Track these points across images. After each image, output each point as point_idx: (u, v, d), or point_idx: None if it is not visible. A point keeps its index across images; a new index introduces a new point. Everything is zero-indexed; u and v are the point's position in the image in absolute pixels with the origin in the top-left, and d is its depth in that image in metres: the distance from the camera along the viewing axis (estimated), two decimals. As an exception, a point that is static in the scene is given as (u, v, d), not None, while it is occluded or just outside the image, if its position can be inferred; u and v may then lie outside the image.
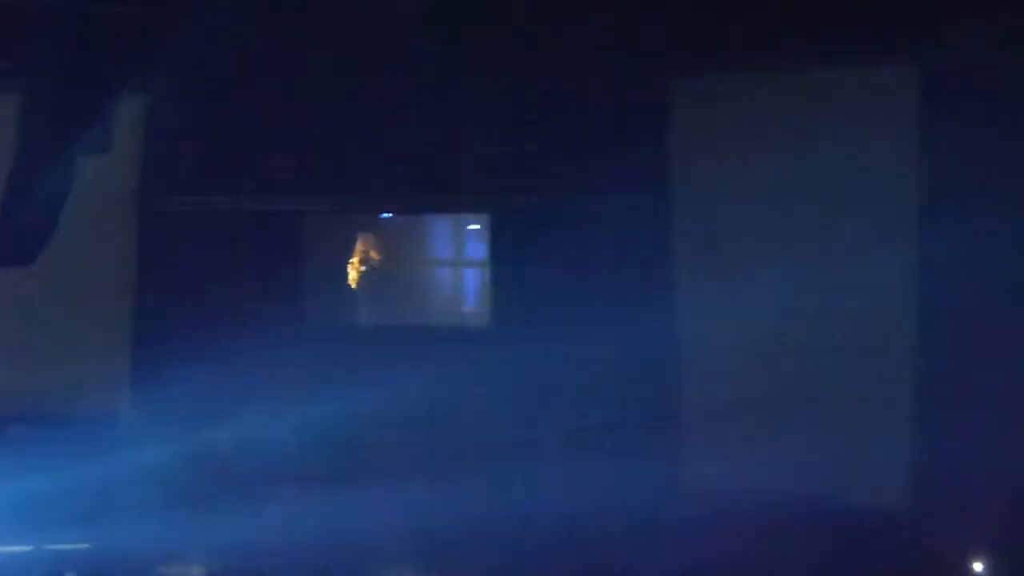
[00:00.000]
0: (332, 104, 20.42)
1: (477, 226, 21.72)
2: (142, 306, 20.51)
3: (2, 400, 19.63)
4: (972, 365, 18.15)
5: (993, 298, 18.04)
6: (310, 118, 20.49)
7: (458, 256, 22.18)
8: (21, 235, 19.34)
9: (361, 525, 18.26)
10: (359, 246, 21.74)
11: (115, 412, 20.18)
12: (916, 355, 18.77)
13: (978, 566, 17.38)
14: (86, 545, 18.43)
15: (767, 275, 18.69)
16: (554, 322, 19.66)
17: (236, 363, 19.67)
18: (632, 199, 19.98)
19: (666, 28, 19.38)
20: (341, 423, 19.33)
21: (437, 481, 19.55)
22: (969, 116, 18.11)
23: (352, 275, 21.82)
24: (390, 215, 21.69)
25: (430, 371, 19.64)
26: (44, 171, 19.21)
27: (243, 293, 20.17)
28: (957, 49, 17.93)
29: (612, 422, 19.62)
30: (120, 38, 18.63)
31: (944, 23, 18.07)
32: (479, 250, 21.66)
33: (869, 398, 18.93)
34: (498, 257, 20.97)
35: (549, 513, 18.67)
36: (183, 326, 19.99)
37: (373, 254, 21.76)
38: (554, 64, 19.96)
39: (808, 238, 19.04)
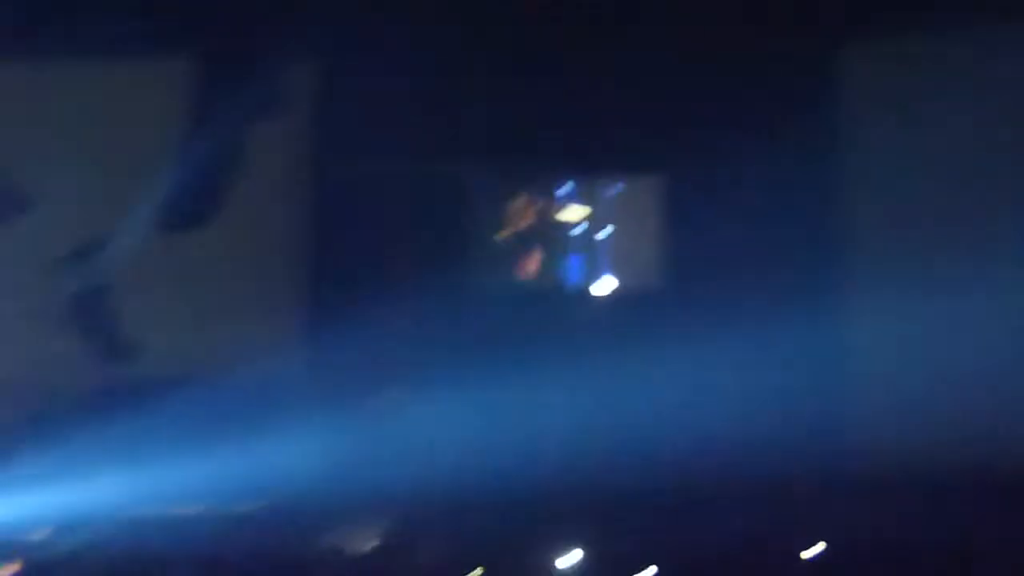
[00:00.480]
0: (505, 68, 20.31)
1: (644, 190, 21.47)
2: (314, 269, 20.59)
3: (176, 363, 19.80)
4: None
5: None
6: (484, 81, 20.39)
7: (623, 220, 21.87)
8: (195, 199, 19.72)
9: (529, 484, 18.44)
10: (530, 210, 21.63)
11: (287, 374, 20.33)
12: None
13: None
14: (259, 506, 18.73)
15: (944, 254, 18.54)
16: (724, 287, 19.48)
17: (408, 325, 19.77)
18: (804, 165, 19.72)
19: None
20: (508, 387, 19.39)
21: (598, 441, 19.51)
22: None
23: (521, 239, 21.71)
24: (563, 179, 21.52)
25: (595, 335, 19.64)
26: (217, 135, 19.55)
27: (415, 256, 20.12)
28: None
29: (781, 387, 19.36)
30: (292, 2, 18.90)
31: None
32: (646, 215, 21.41)
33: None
34: (666, 222, 20.77)
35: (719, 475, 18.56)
36: (354, 288, 20.04)
37: (543, 217, 21.64)
38: (724, 25, 19.75)
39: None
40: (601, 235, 21.18)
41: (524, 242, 21.30)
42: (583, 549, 17.50)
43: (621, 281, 21.17)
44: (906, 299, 18.98)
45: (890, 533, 16.95)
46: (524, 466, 19.23)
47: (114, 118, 19.56)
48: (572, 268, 21.35)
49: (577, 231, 21.21)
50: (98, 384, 19.84)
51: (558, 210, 21.39)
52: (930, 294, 18.80)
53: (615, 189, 21.25)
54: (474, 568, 17.47)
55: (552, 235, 21.25)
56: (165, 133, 19.66)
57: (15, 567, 17.69)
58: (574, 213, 21.22)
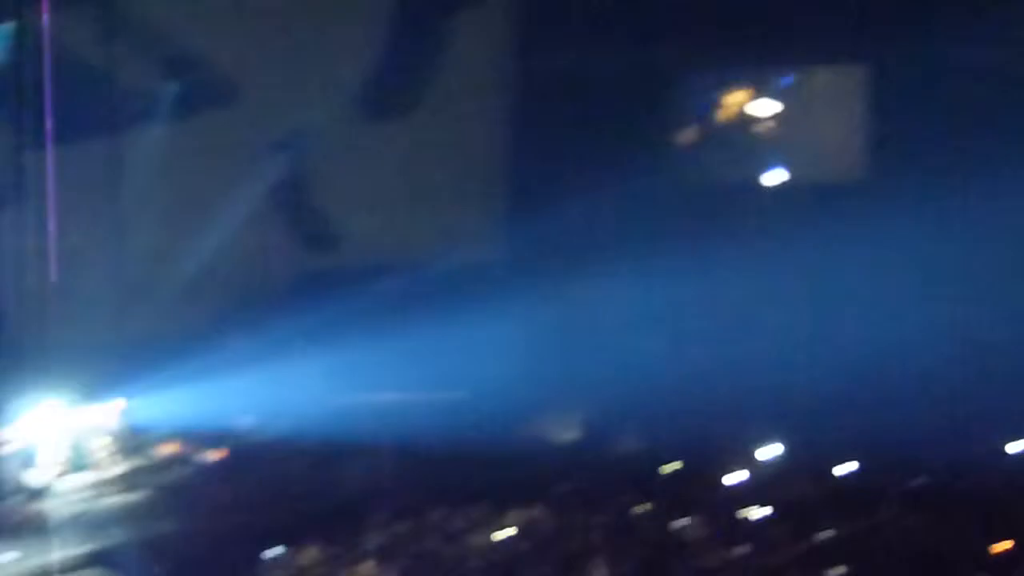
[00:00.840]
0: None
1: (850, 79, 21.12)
2: (513, 159, 20.60)
3: (378, 251, 19.91)
4: None
5: None
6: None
7: (830, 109, 21.49)
8: (398, 90, 19.78)
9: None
10: (736, 104, 21.36)
11: (487, 262, 20.41)
12: None
13: None
14: (462, 394, 18.84)
15: None
16: (928, 177, 19.19)
17: (607, 216, 19.75)
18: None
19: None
20: (703, 279, 19.35)
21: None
22: None
23: (720, 130, 21.48)
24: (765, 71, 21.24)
25: (792, 230, 19.54)
26: (421, 27, 19.57)
27: (612, 147, 20.01)
28: None
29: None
30: None
31: None
32: (851, 103, 21.04)
33: None
34: (873, 112, 20.52)
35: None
36: (554, 179, 19.99)
37: (742, 110, 21.36)
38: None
39: None
40: (800, 127, 20.96)
41: (724, 135, 21.14)
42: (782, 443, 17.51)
43: (819, 174, 20.96)
44: None
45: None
46: (718, 359, 19.18)
47: (318, 12, 19.55)
48: (770, 162, 21.16)
49: (776, 123, 21.01)
50: (302, 273, 19.99)
51: (758, 102, 21.14)
52: None
53: (814, 80, 21.00)
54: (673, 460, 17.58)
55: (751, 128, 21.04)
56: (371, 27, 19.66)
57: (222, 453, 17.98)
58: (773, 105, 20.99)
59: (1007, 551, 13.88)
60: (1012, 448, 16.95)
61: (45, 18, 17.73)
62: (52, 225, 17.85)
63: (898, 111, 19.94)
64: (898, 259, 19.15)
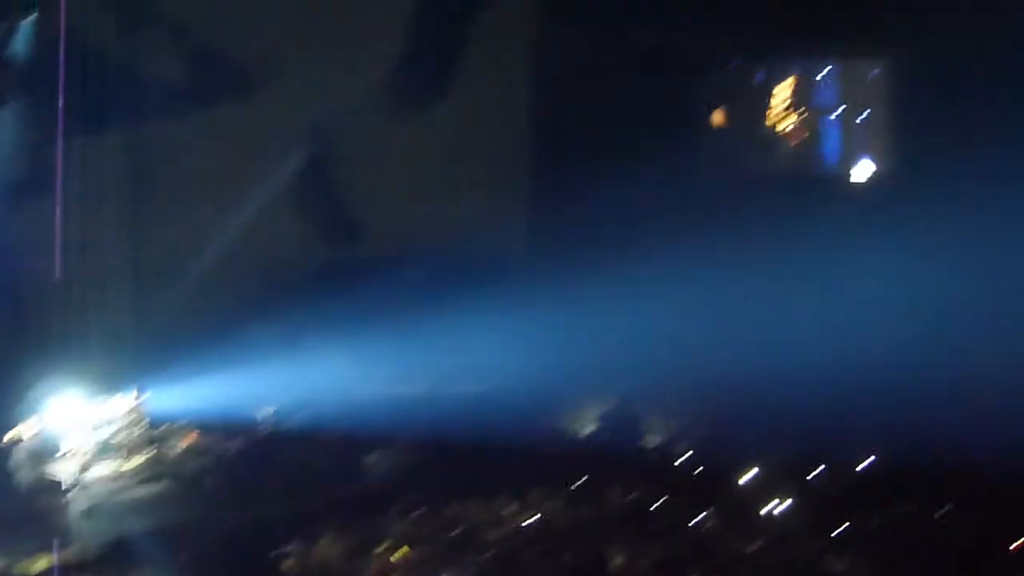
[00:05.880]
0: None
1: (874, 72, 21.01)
2: (537, 147, 20.55)
3: (400, 242, 19.89)
4: None
5: None
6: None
7: (855, 103, 21.36)
8: (419, 77, 19.76)
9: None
10: (759, 93, 21.25)
11: (510, 252, 20.36)
12: None
13: None
14: (483, 389, 18.78)
15: None
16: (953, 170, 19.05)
17: (632, 208, 19.67)
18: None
19: None
20: (732, 268, 19.25)
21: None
22: None
23: (749, 121, 21.35)
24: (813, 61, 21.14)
25: (821, 218, 19.43)
26: (440, 15, 19.54)
27: (639, 136, 19.91)
28: None
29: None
30: None
31: None
32: (876, 96, 20.94)
33: None
34: (900, 105, 20.37)
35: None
36: (578, 169, 19.92)
37: (774, 102, 21.25)
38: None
39: None
40: (854, 118, 20.88)
41: (750, 127, 21.05)
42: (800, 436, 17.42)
43: (874, 165, 20.87)
44: None
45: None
46: (739, 352, 19.06)
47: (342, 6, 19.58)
48: (823, 152, 21.07)
49: (828, 114, 20.94)
50: (325, 263, 19.98)
51: (806, 92, 21.03)
52: None
53: (869, 72, 20.89)
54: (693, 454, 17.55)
55: (802, 117, 20.94)
56: (393, 18, 19.65)
57: (243, 444, 17.99)
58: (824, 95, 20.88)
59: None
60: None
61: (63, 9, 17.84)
62: (70, 215, 17.94)
63: (922, 109, 19.89)
64: (919, 256, 19.03)
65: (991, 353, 18.21)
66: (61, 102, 17.90)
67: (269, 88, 19.40)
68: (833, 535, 14.37)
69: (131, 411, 17.79)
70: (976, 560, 13.35)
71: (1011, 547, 13.72)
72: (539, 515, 15.51)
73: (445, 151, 19.90)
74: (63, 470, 16.99)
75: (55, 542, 15.37)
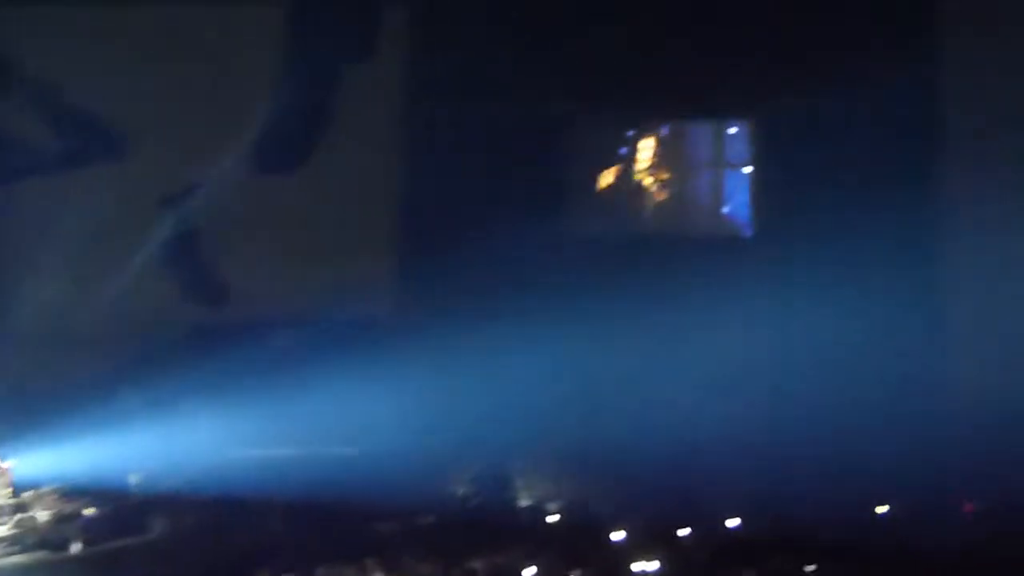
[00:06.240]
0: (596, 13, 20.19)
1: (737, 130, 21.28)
2: (404, 211, 20.62)
3: (269, 306, 19.82)
4: None
5: None
6: (573, 25, 20.26)
7: (721, 161, 21.64)
8: (288, 144, 19.72)
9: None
10: (623, 153, 21.44)
11: (379, 315, 20.36)
12: None
13: None
14: (354, 451, 18.73)
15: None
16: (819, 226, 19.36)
17: (498, 267, 19.74)
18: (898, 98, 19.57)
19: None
20: (600, 329, 19.36)
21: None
22: None
23: (614, 182, 21.53)
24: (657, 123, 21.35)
25: (690, 278, 19.59)
26: (308, 80, 19.52)
27: (505, 199, 20.03)
28: None
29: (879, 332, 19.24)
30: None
31: None
32: (742, 155, 21.19)
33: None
34: (762, 162, 20.66)
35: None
36: (446, 231, 20.01)
37: (638, 161, 21.44)
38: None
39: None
40: (709, 177, 21.12)
41: (627, 185, 21.20)
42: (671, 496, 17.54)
43: (729, 224, 21.11)
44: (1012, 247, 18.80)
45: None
46: (613, 412, 19.23)
47: (209, 64, 19.52)
48: (676, 211, 21.26)
49: (684, 173, 21.17)
50: (193, 327, 19.86)
51: (660, 152, 21.24)
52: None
53: (723, 130, 21.14)
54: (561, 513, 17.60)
55: (656, 178, 21.14)
56: (259, 79, 19.64)
57: (110, 510, 17.77)
58: (677, 155, 21.11)
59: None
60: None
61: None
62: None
63: (784, 165, 20.19)
64: (786, 314, 19.30)
65: (857, 412, 18.51)
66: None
67: (137, 152, 19.35)
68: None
69: (-3, 478, 17.55)
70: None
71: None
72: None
73: (314, 215, 19.89)
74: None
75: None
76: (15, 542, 17.21)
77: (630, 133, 21.19)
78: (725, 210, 21.10)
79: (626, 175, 21.17)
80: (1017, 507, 16.22)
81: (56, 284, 19.25)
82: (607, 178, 21.19)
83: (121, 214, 19.31)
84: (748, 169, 20.91)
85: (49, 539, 17.32)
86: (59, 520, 17.61)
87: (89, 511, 17.79)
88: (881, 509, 16.83)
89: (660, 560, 15.35)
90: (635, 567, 15.26)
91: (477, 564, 15.62)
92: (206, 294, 19.88)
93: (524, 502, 18.15)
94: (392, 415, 18.80)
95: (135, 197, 19.40)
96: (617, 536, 16.67)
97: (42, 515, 17.61)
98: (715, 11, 19.95)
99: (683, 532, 16.51)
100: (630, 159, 21.19)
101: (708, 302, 19.22)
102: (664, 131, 21.20)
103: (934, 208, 19.63)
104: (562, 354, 19.22)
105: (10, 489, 17.64)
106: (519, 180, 20.13)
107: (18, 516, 17.44)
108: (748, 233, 20.69)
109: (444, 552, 16.05)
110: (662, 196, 21.17)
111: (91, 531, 17.49)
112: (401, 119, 20.48)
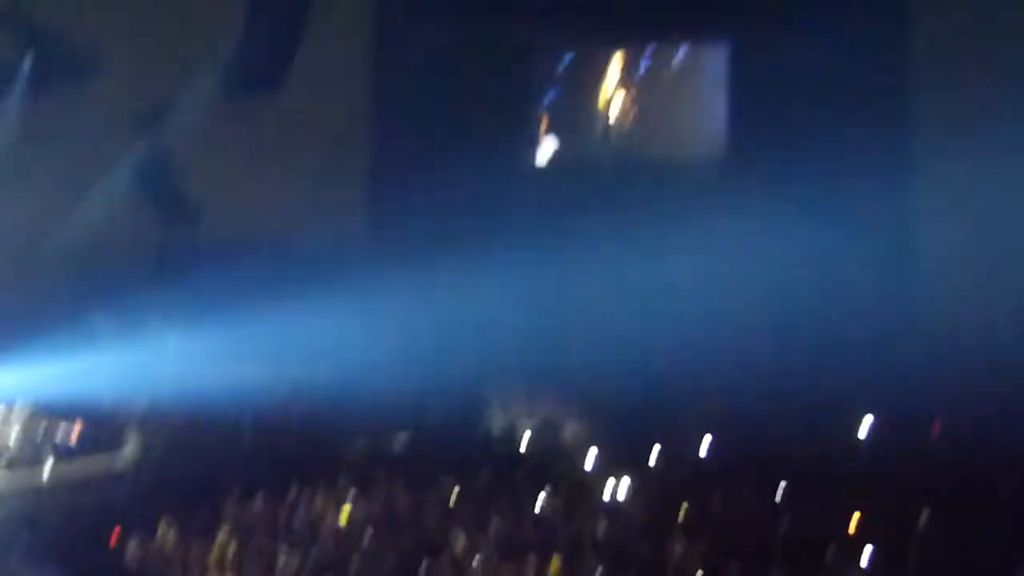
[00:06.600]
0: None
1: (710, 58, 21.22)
2: (377, 136, 20.54)
3: (241, 227, 19.80)
4: None
5: None
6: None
7: (695, 84, 21.52)
8: (260, 65, 19.62)
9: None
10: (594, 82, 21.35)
11: (349, 239, 20.36)
12: None
13: None
14: (327, 372, 18.75)
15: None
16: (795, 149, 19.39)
17: (466, 194, 19.76)
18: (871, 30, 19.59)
19: None
20: (572, 254, 19.39)
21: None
22: None
23: (588, 105, 21.45)
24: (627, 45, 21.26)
25: (664, 202, 19.63)
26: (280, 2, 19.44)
27: (477, 124, 20.00)
28: None
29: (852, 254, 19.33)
30: None
31: None
32: (711, 83, 21.13)
33: None
34: (737, 84, 20.66)
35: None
36: (417, 156, 19.99)
37: (612, 85, 21.36)
38: None
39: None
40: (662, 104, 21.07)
41: (586, 112, 21.17)
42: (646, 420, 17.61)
43: (683, 151, 21.07)
44: (978, 172, 18.82)
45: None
46: (576, 333, 19.28)
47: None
48: (635, 137, 21.23)
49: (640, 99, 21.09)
50: (163, 247, 19.83)
51: (623, 78, 21.18)
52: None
53: (678, 55, 21.10)
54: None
55: (615, 107, 21.09)
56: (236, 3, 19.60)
57: (80, 430, 17.78)
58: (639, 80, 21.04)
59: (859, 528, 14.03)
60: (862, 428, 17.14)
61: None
62: None
63: (756, 93, 20.17)
64: (756, 241, 19.34)
65: (825, 340, 18.59)
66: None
67: (107, 74, 19.22)
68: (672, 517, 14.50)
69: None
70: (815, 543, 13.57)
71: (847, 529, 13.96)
72: (381, 499, 15.47)
73: (283, 140, 19.80)
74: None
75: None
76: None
77: (601, 56, 21.06)
78: (699, 133, 21.03)
79: (600, 98, 21.08)
80: (984, 424, 16.32)
81: (27, 204, 19.15)
82: (581, 101, 21.09)
83: (94, 136, 19.19)
84: (723, 92, 20.70)
85: (20, 457, 17.35)
86: (31, 438, 17.64)
87: (61, 429, 17.84)
88: (852, 429, 16.91)
89: (630, 482, 15.41)
90: (605, 489, 15.32)
91: (448, 484, 15.69)
92: (178, 214, 19.79)
93: (495, 424, 18.17)
94: (364, 337, 18.73)
95: (106, 120, 19.26)
96: (588, 459, 16.75)
97: (14, 432, 17.65)
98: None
99: (653, 454, 16.60)
100: (603, 82, 21.10)
101: (682, 225, 19.13)
102: (638, 54, 21.08)
103: (909, 129, 19.60)
104: (534, 277, 19.21)
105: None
106: (491, 105, 20.05)
107: (-9, 435, 17.53)
108: (722, 156, 20.49)
109: (415, 473, 16.14)
110: (636, 120, 21.08)
111: (62, 449, 17.55)
112: (373, 47, 20.43)
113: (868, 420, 16.77)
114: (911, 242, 19.79)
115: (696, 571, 12.71)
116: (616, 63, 21.14)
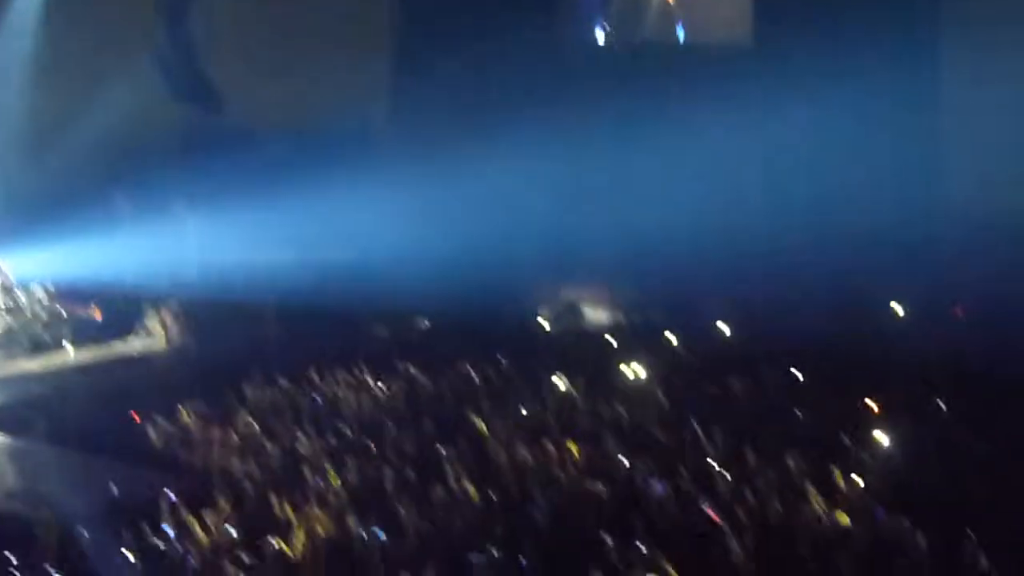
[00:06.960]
0: None
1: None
2: (402, 19, 20.54)
3: (264, 113, 19.70)
4: None
5: None
6: None
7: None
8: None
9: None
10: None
11: (374, 124, 20.27)
12: None
13: None
14: (348, 257, 18.73)
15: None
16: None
17: (491, 80, 19.59)
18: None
19: None
20: (598, 138, 19.30)
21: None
22: None
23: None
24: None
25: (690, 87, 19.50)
26: None
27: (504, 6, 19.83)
28: None
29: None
30: None
31: None
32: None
33: None
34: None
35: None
36: (443, 41, 19.85)
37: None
38: None
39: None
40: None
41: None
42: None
43: (716, 36, 20.92)
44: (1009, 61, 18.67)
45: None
46: (600, 220, 19.23)
47: None
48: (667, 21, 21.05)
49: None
50: (187, 132, 19.78)
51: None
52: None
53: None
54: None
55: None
56: None
57: (103, 312, 17.85)
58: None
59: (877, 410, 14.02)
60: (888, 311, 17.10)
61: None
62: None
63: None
64: (780, 123, 19.21)
65: (853, 223, 18.54)
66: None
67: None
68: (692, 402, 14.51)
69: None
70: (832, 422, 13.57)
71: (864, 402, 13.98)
72: (402, 382, 15.51)
73: (305, 26, 19.68)
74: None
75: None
76: (8, 341, 17.36)
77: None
78: (733, 20, 20.81)
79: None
80: (1004, 313, 16.28)
81: (52, 89, 19.13)
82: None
83: (114, 23, 19.10)
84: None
85: (42, 338, 17.45)
86: (52, 320, 17.72)
87: (82, 312, 17.91)
88: (875, 316, 16.89)
89: (650, 363, 15.42)
90: (625, 370, 15.32)
91: (467, 368, 15.72)
92: (202, 100, 19.73)
93: (518, 309, 18.17)
94: (387, 223, 18.72)
95: (129, 6, 19.13)
96: (608, 340, 16.76)
97: (36, 314, 17.73)
98: None
99: (673, 337, 16.60)
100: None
101: (708, 112, 19.06)
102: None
103: (934, 30, 19.39)
104: (559, 164, 19.14)
105: (3, 289, 17.74)
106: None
107: (15, 314, 17.59)
108: (749, 43, 20.30)
109: (434, 357, 16.17)
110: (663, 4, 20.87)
111: (82, 332, 17.64)
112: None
113: (892, 306, 16.78)
114: (937, 130, 19.65)
115: (715, 455, 12.71)
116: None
